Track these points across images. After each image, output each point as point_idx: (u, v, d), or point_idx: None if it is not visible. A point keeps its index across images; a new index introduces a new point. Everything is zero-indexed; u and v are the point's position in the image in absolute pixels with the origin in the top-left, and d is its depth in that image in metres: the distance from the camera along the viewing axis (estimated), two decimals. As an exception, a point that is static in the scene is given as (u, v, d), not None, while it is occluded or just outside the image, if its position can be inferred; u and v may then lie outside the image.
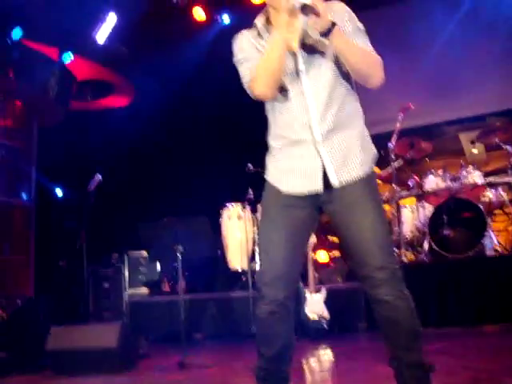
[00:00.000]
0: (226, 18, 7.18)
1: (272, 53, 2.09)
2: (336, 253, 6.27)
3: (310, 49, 2.17)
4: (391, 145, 5.70)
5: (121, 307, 5.90)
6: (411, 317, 2.10)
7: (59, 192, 7.34)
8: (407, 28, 7.24)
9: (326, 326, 4.90)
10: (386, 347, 2.14)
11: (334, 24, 2.00)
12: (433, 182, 5.81)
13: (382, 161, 5.98)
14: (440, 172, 5.80)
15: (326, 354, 4.41)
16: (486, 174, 5.73)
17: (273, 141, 2.28)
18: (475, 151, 6.32)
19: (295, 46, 2.11)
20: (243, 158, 5.57)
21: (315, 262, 5.54)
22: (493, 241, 5.35)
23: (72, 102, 7.03)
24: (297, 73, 2.17)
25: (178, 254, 4.28)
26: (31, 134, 6.97)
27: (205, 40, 7.36)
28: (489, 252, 5.24)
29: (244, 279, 5.77)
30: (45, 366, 4.30)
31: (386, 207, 5.98)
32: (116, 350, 4.07)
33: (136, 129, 6.93)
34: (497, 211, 5.77)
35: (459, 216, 5.28)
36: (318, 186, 2.15)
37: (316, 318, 4.92)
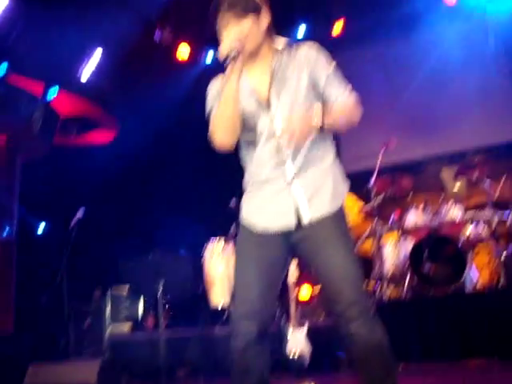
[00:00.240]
0: (209, 57, 7.31)
1: (223, 101, 2.14)
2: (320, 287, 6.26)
3: (281, 89, 2.23)
4: (372, 181, 5.77)
5: (102, 344, 5.82)
6: (384, 352, 2.11)
7: (41, 227, 7.29)
8: (387, 66, 7.40)
9: (308, 362, 4.88)
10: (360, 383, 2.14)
11: (320, 125, 2.07)
12: (414, 218, 5.87)
13: (364, 196, 6.08)
14: (421, 207, 5.87)
15: (308, 391, 4.38)
16: (467, 209, 5.81)
17: (247, 180, 2.33)
18: (456, 186, 6.40)
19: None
20: (226, 193, 5.59)
21: (297, 298, 5.53)
22: (473, 277, 5.38)
23: (56, 137, 7.04)
24: (268, 113, 2.22)
25: (161, 290, 4.26)
26: (14, 170, 6.95)
27: (188, 78, 7.46)
28: (469, 288, 5.27)
29: (226, 315, 5.73)
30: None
31: (368, 242, 6.01)
32: (95, 388, 4.02)
33: (119, 164, 6.94)
34: (479, 246, 5.81)
35: (440, 252, 5.32)
36: (290, 223, 2.18)
37: (298, 353, 4.89)
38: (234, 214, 5.27)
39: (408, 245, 5.82)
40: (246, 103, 2.22)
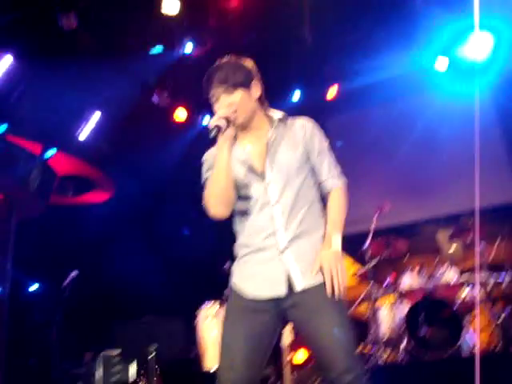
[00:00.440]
0: (206, 120, 7.43)
1: (216, 172, 2.19)
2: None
3: (276, 160, 2.27)
4: (367, 244, 5.78)
5: (92, 409, 5.67)
6: None
7: (33, 287, 7.22)
8: (379, 129, 7.50)
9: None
10: None
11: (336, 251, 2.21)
12: (409, 280, 5.85)
13: (359, 259, 6.06)
14: (417, 269, 5.85)
15: None
16: (463, 272, 5.79)
17: (239, 248, 2.34)
18: (451, 249, 6.40)
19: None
20: (220, 256, 5.57)
21: (292, 362, 5.43)
22: (470, 341, 5.31)
23: (52, 197, 7.06)
24: (263, 183, 2.25)
25: (153, 354, 4.20)
26: (9, 228, 6.92)
27: (184, 140, 7.56)
28: (466, 352, 5.19)
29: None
30: None
31: (363, 305, 5.95)
32: None
33: (114, 225, 6.95)
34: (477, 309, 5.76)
35: (435, 315, 5.27)
36: (280, 291, 2.19)
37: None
38: (228, 276, 5.23)
39: (404, 308, 5.76)
40: (237, 171, 2.25)
